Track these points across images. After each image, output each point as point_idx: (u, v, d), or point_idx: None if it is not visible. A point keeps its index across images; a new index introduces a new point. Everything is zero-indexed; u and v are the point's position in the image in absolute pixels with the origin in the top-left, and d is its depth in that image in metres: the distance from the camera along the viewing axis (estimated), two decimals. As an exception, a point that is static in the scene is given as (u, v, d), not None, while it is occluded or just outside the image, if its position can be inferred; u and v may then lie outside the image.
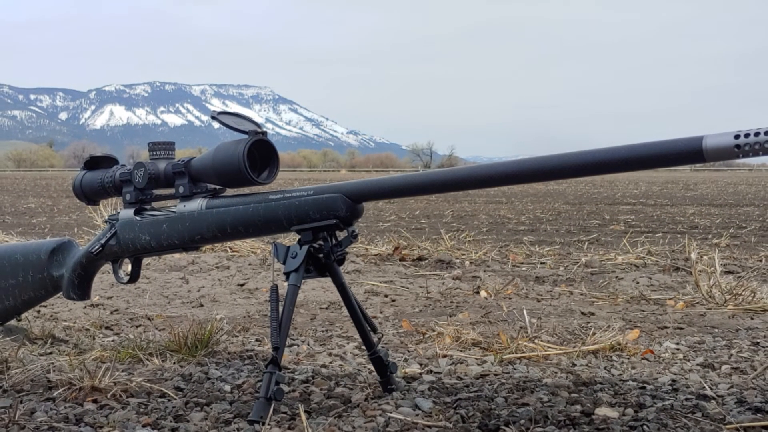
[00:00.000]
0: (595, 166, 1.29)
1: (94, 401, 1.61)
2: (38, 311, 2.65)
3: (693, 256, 2.88)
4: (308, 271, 1.55)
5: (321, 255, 1.56)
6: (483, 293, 3.03)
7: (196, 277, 3.59)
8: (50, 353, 2.05)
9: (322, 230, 1.55)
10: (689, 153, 1.20)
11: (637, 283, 3.42)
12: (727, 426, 1.43)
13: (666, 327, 2.46)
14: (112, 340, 2.23)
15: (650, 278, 3.52)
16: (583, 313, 2.69)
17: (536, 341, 2.12)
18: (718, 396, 1.65)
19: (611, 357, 2.03)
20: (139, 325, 2.48)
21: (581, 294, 3.13)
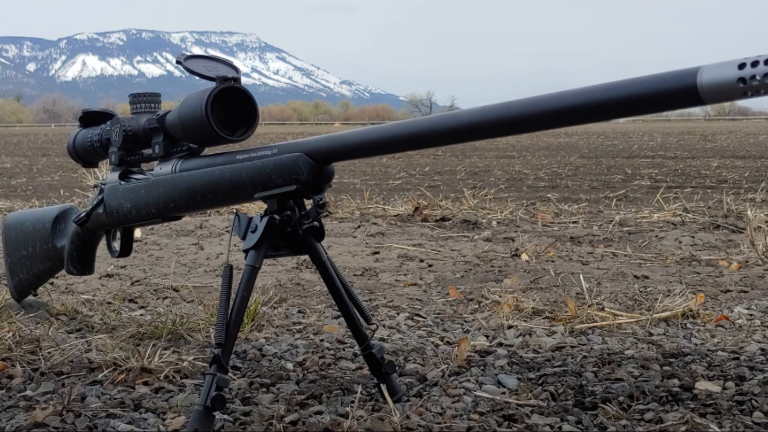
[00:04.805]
0: (564, 113, 1.03)
1: (146, 383, 1.56)
2: (51, 283, 2.58)
3: (749, 213, 2.84)
4: (278, 248, 1.36)
5: (289, 228, 1.35)
6: (524, 256, 2.99)
7: (210, 243, 3.53)
8: (79, 330, 1.99)
9: (287, 198, 1.33)
10: (681, 92, 0.95)
11: (680, 242, 3.39)
12: (841, 400, 1.40)
13: (729, 290, 2.43)
14: (141, 315, 2.17)
15: (693, 237, 3.49)
16: (636, 277, 2.65)
17: (604, 309, 2.08)
18: (816, 366, 1.62)
19: (686, 324, 1.99)
20: (166, 297, 2.42)
21: (626, 255, 3.09)
